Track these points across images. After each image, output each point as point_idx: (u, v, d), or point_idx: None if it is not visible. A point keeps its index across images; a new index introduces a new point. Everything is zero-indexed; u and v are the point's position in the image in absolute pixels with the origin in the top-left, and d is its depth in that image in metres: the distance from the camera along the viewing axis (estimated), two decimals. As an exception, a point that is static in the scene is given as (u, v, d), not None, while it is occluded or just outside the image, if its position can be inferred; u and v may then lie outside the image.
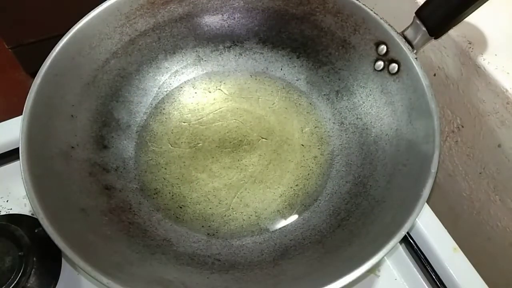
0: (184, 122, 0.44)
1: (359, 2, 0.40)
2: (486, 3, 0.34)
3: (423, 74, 0.36)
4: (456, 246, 0.39)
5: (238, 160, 0.42)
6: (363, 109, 0.42)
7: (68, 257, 0.28)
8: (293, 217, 0.39)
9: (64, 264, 0.38)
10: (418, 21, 0.37)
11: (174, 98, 0.45)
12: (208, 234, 0.38)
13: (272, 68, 0.47)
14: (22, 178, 0.31)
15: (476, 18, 0.39)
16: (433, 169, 0.32)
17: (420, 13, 0.37)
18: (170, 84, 0.46)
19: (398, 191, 0.35)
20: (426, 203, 0.36)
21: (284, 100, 0.46)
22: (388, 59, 0.39)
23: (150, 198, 0.40)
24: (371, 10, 0.39)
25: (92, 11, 0.39)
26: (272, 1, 0.44)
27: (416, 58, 0.37)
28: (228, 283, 0.34)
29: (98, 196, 0.36)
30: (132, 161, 0.41)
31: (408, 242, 0.40)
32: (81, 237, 0.31)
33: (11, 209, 0.42)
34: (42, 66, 0.36)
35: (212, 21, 0.45)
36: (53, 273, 0.38)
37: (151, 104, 0.44)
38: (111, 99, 0.42)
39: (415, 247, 0.40)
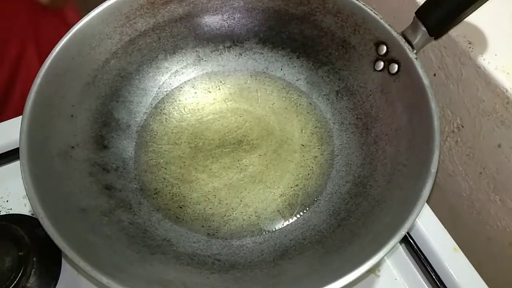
0: (184, 122, 0.44)
1: (359, 2, 0.40)
2: (486, 3, 0.34)
3: (423, 74, 0.36)
4: (456, 246, 0.39)
5: (238, 160, 0.42)
6: (363, 109, 0.42)
7: (68, 257, 0.28)
8: (293, 217, 0.39)
9: (64, 264, 0.38)
10: (418, 21, 0.37)
11: (174, 98, 0.45)
12: (208, 234, 0.38)
13: (272, 68, 0.47)
14: (22, 178, 0.31)
15: (476, 18, 0.39)
16: (433, 169, 0.32)
17: (420, 13, 0.37)
18: (170, 84, 0.46)
19: (398, 191, 0.35)
20: (426, 203, 0.36)
21: (284, 100, 0.46)
22: (388, 59, 0.39)
23: (150, 198, 0.40)
24: (371, 10, 0.39)
25: (92, 11, 0.39)
26: (272, 1, 0.44)
27: (416, 58, 0.37)
28: (228, 283, 0.34)
29: (98, 196, 0.36)
30: (132, 161, 0.41)
31: (408, 242, 0.40)
32: (81, 237, 0.31)
33: (11, 209, 0.42)
34: (42, 66, 0.36)
35: (212, 21, 0.45)
36: (53, 273, 0.38)
37: (151, 104, 0.44)
38: (111, 99, 0.42)
39: (415, 247, 0.40)
